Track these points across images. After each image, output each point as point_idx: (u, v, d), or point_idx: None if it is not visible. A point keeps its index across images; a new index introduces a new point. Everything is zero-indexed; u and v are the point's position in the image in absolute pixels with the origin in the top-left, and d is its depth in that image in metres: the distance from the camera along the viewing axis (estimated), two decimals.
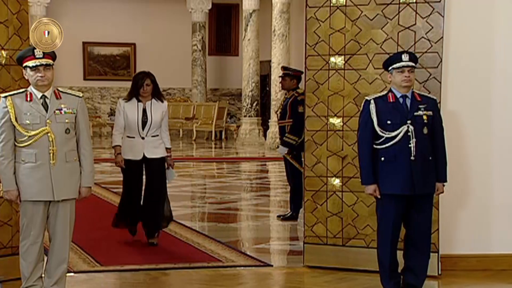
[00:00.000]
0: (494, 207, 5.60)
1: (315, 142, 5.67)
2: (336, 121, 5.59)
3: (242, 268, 5.76)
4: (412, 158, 4.65)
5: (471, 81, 5.56)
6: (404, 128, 4.66)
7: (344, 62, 5.55)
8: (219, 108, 20.24)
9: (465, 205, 5.59)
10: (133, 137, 6.20)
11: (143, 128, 6.18)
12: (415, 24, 5.35)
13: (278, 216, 7.95)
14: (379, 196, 4.76)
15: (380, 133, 4.70)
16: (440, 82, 5.31)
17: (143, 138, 6.19)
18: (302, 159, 6.89)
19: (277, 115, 8.24)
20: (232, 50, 22.65)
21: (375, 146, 4.74)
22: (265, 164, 14.38)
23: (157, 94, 6.28)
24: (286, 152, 7.73)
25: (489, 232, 5.61)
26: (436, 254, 5.30)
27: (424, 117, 4.69)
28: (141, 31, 21.39)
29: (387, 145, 4.69)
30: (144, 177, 6.42)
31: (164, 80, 23.74)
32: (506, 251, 5.58)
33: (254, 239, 7.06)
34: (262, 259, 6.01)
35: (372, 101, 4.76)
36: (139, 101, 6.21)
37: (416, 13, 5.34)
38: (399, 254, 4.87)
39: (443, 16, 5.29)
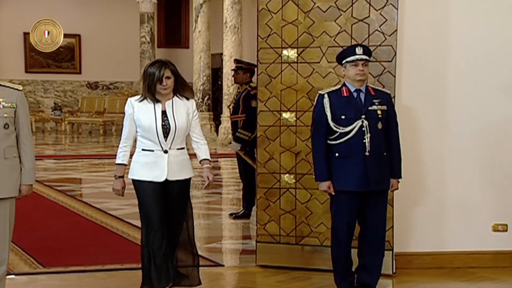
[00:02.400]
0: (449, 204, 5.71)
1: (268, 137, 5.70)
2: (289, 116, 5.62)
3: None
4: (367, 153, 4.70)
5: (426, 75, 5.64)
6: (358, 123, 4.71)
7: (297, 55, 5.58)
8: None
9: (420, 202, 5.69)
10: (151, 151, 4.67)
11: (165, 138, 4.66)
12: (368, 16, 5.41)
13: (230, 214, 7.96)
14: (333, 193, 4.80)
15: (334, 128, 4.75)
16: (395, 76, 5.38)
17: (166, 151, 4.68)
18: (255, 155, 6.91)
19: (230, 109, 8.24)
20: (182, 42, 22.56)
21: (329, 141, 4.78)
22: (217, 161, 14.34)
23: (180, 90, 4.76)
24: (238, 148, 7.74)
25: (444, 229, 5.71)
26: (391, 252, 5.38)
27: (379, 112, 4.75)
28: (86, 21, 21.14)
29: (341, 140, 4.74)
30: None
31: (110, 73, 23.67)
32: (461, 249, 5.69)
33: (205, 238, 7.06)
34: (214, 258, 6.01)
35: (325, 96, 4.81)
36: (156, 101, 4.69)
37: (370, 5, 5.40)
38: (353, 253, 4.93)
39: (397, 9, 5.36)
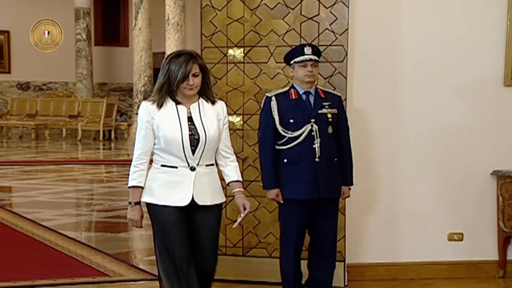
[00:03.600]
0: (403, 212, 5.79)
1: None
2: (235, 119, 5.63)
3: (131, 282, 5.72)
4: (317, 159, 4.74)
5: (378, 77, 5.72)
6: (307, 127, 4.75)
7: (243, 54, 5.60)
8: (108, 105, 19.99)
9: (373, 210, 5.76)
10: (175, 167, 3.94)
11: (193, 152, 3.93)
12: (318, 14, 5.46)
13: None
14: (281, 201, 4.83)
15: (283, 133, 4.78)
16: (346, 78, 5.44)
17: (193, 168, 3.94)
18: None
19: None
20: (121, 40, 22.43)
21: (277, 147, 4.81)
22: None
23: (207, 90, 4.03)
24: None
25: (398, 239, 5.79)
26: (343, 263, 5.43)
27: (329, 115, 4.80)
28: (16, 17, 20.81)
29: (290, 145, 4.77)
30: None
31: (43, 73, 23.41)
32: (416, 259, 5.77)
33: (147, 250, 7.02)
34: (155, 272, 5.96)
35: (273, 98, 4.83)
36: (177, 103, 3.96)
37: (320, 2, 5.46)
38: (303, 264, 4.97)
39: (347, 7, 5.42)
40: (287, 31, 5.51)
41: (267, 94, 4.92)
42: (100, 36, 22.21)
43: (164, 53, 17.44)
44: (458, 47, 5.72)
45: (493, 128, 5.77)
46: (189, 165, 3.93)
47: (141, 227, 4.02)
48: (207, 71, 4.00)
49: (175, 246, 3.92)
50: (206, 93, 4.02)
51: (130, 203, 3.98)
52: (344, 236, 5.44)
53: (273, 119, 4.79)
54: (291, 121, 4.75)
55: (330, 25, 5.45)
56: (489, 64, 5.74)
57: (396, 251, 5.78)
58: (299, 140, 4.75)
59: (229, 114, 5.54)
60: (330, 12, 5.45)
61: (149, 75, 18.30)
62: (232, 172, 4.11)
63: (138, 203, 3.97)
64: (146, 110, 3.94)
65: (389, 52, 5.70)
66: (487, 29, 5.73)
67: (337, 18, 5.45)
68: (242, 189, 4.11)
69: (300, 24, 5.50)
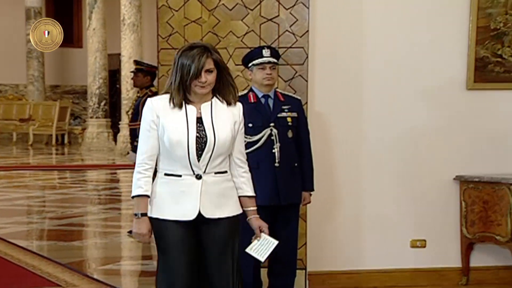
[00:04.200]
0: (365, 219, 5.83)
1: None
2: None
3: None
4: (277, 164, 4.76)
5: (340, 80, 5.76)
6: (266, 132, 4.77)
7: None
8: (61, 108, 19.85)
9: (334, 217, 5.79)
10: (179, 176, 3.57)
11: (199, 156, 3.55)
12: (278, 15, 5.49)
13: (130, 232, 7.89)
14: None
15: None
16: (307, 81, 5.47)
17: (199, 176, 3.56)
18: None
19: (128, 116, 8.20)
20: (74, 41, 22.24)
21: None
22: (116, 173, 14.24)
23: (223, 89, 3.64)
24: None
25: (360, 246, 5.83)
26: (304, 271, 5.44)
27: (288, 119, 4.82)
28: None
29: (248, 150, 4.75)
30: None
31: None
32: (378, 267, 5.82)
33: (101, 259, 6.99)
34: (110, 282, 5.95)
35: None
36: (187, 102, 3.60)
37: (279, 3, 5.49)
38: (263, 272, 4.98)
39: (308, 8, 5.46)
40: (246, 33, 5.53)
41: None
42: None
43: (119, 54, 17.36)
44: (421, 50, 5.78)
45: (456, 132, 5.85)
46: (194, 173, 3.53)
47: (150, 242, 3.57)
48: (224, 67, 3.58)
49: (176, 269, 3.56)
50: (220, 92, 3.60)
51: (135, 214, 3.56)
52: (305, 243, 5.46)
53: None
54: (250, 125, 4.75)
55: (290, 26, 5.49)
56: (452, 68, 5.82)
57: (359, 259, 5.82)
58: (258, 144, 4.77)
59: None
60: (290, 13, 5.48)
61: (104, 77, 18.19)
62: (245, 185, 3.67)
63: (145, 214, 3.55)
64: (151, 108, 3.55)
65: (351, 55, 5.74)
66: (449, 32, 5.81)
67: (297, 20, 5.48)
68: (255, 208, 3.71)
69: (260, 25, 5.52)
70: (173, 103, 3.53)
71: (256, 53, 4.82)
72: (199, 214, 3.55)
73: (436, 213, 5.85)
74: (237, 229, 3.64)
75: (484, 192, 5.63)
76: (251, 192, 3.69)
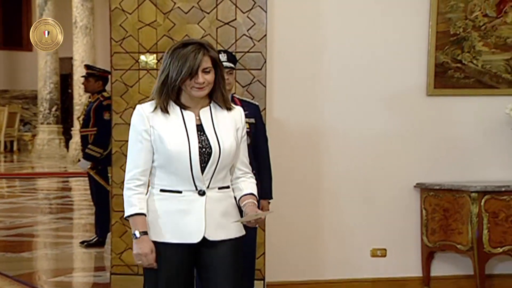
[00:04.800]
0: (325, 228, 5.85)
1: (124, 154, 5.58)
2: None
3: None
4: None
5: (299, 85, 5.77)
6: None
7: (156, 61, 5.58)
8: (10, 114, 19.64)
9: (294, 226, 5.80)
10: (178, 192, 3.21)
11: (203, 169, 3.20)
12: (235, 19, 5.50)
13: (82, 243, 7.86)
14: None
15: None
16: (265, 86, 5.48)
17: (202, 193, 3.21)
18: (109, 175, 6.85)
19: (80, 122, 8.16)
20: (24, 44, 21.98)
21: None
22: (68, 181, 14.13)
23: (219, 92, 3.27)
24: (88, 166, 7.68)
25: (320, 255, 5.85)
26: (262, 281, 5.44)
27: (246, 125, 4.82)
28: None
29: None
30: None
31: None
32: (338, 277, 5.84)
33: (52, 271, 6.92)
34: None
35: None
36: (183, 107, 3.24)
37: (236, 7, 5.49)
38: None
39: (265, 11, 5.47)
40: (202, 37, 5.52)
41: None
42: (0, 39, 21.75)
43: (71, 58, 17.22)
44: (380, 56, 5.82)
45: (416, 139, 5.90)
46: (197, 189, 3.18)
47: (155, 264, 3.18)
48: (221, 67, 3.24)
49: None
50: (216, 95, 3.25)
51: (134, 235, 3.18)
52: (264, 253, 5.46)
53: None
54: None
55: (247, 30, 5.49)
56: (411, 73, 5.87)
57: (318, 268, 5.84)
58: None
59: None
60: (248, 17, 5.49)
61: (56, 82, 18.03)
62: (248, 186, 3.33)
63: (145, 232, 3.17)
64: (142, 116, 3.18)
65: (310, 59, 5.76)
66: (409, 38, 5.86)
67: (255, 24, 5.49)
68: (255, 203, 3.30)
69: (216, 29, 5.52)
70: (163, 107, 3.16)
71: None
72: (204, 236, 3.18)
73: (397, 221, 5.89)
74: (240, 253, 3.32)
75: (444, 200, 5.68)
76: (253, 192, 3.32)
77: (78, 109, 15.92)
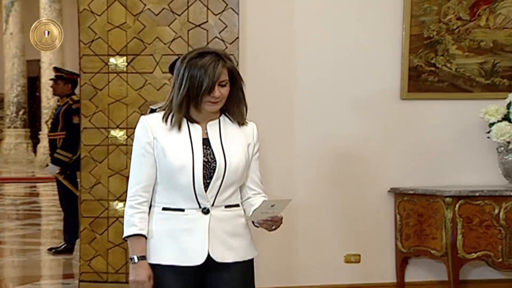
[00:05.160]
0: (298, 234, 5.83)
1: (94, 159, 5.63)
2: (118, 134, 5.59)
3: None
4: None
5: (272, 89, 5.77)
6: None
7: (126, 64, 5.57)
8: None
9: (266, 231, 5.74)
10: (181, 210, 3.02)
11: (206, 185, 3.02)
12: (207, 21, 5.49)
13: (50, 249, 7.83)
14: None
15: None
16: None
17: (205, 211, 3.02)
18: (78, 180, 6.82)
19: (48, 126, 8.12)
20: None
21: None
22: (35, 186, 14.07)
23: (233, 105, 3.10)
24: (57, 171, 7.65)
25: (294, 261, 5.84)
26: None
27: None
28: None
29: None
30: None
31: None
32: (312, 283, 5.84)
33: (19, 279, 6.88)
34: None
35: (157, 111, 4.79)
36: (190, 120, 3.05)
37: (208, 9, 5.49)
38: None
39: (237, 14, 5.47)
40: (173, 39, 5.52)
41: (151, 107, 4.90)
42: None
43: (39, 60, 17.11)
44: (354, 59, 5.84)
45: (390, 143, 5.91)
46: (200, 207, 2.99)
47: None
48: (238, 78, 3.05)
49: None
50: (229, 109, 3.07)
51: (131, 259, 3.00)
52: None
53: None
54: None
55: (219, 33, 5.49)
56: (385, 77, 5.89)
57: (292, 275, 5.83)
58: None
59: (111, 128, 5.56)
60: (219, 19, 5.49)
61: (23, 85, 17.92)
62: (260, 200, 3.09)
63: (144, 257, 3.00)
64: (146, 128, 3.02)
65: (282, 63, 5.76)
66: (382, 41, 5.87)
67: (227, 26, 5.49)
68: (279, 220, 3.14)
69: (188, 31, 5.51)
70: (171, 121, 2.99)
71: None
72: (208, 257, 2.98)
73: (371, 227, 5.90)
74: (251, 277, 3.14)
75: (419, 204, 5.69)
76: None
77: (46, 112, 15.84)
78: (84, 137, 5.65)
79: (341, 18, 5.83)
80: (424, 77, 5.91)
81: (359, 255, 5.89)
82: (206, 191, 2.98)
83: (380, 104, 5.90)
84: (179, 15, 5.51)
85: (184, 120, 3.01)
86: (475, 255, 5.54)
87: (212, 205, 3.00)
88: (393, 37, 5.87)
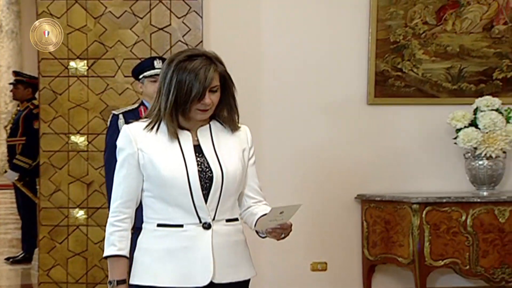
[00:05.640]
0: (263, 241, 5.74)
1: (53, 165, 5.60)
2: (79, 139, 5.57)
3: None
4: None
5: (238, 94, 5.75)
6: None
7: (87, 67, 5.56)
8: None
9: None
10: (179, 226, 2.76)
11: (205, 198, 2.76)
12: (170, 24, 5.50)
13: (7, 259, 7.78)
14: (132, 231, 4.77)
15: None
16: None
17: (207, 226, 2.76)
18: (37, 187, 6.76)
19: (7, 131, 8.08)
20: None
21: None
22: None
23: (224, 109, 2.90)
24: (16, 178, 7.60)
25: (260, 269, 5.59)
26: None
27: None
28: None
29: None
30: None
31: None
32: None
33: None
34: None
35: (121, 116, 4.79)
36: (180, 128, 2.80)
37: (171, 11, 5.49)
38: None
39: (201, 17, 5.49)
40: (135, 42, 5.51)
41: (113, 112, 4.86)
42: None
43: None
44: (320, 64, 5.86)
45: (357, 149, 5.93)
46: (201, 221, 2.74)
47: None
48: (231, 83, 2.87)
49: None
50: (223, 115, 2.88)
51: (110, 282, 2.77)
52: None
53: None
54: None
55: (183, 36, 5.49)
56: (352, 82, 5.91)
57: (258, 282, 5.77)
58: None
59: (71, 133, 5.51)
60: (183, 22, 5.49)
61: None
62: (263, 208, 2.92)
63: (124, 281, 2.77)
64: (128, 138, 2.75)
65: (248, 67, 5.76)
66: (349, 45, 5.90)
67: (190, 29, 5.49)
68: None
69: (150, 34, 5.51)
70: (160, 126, 2.76)
71: (147, 64, 4.77)
72: (212, 279, 2.74)
73: (337, 234, 5.91)
74: None
75: (386, 211, 5.70)
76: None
77: (5, 117, 15.68)
78: (43, 143, 5.62)
79: (307, 22, 5.85)
80: (391, 82, 5.94)
81: (326, 263, 5.90)
82: (206, 203, 2.74)
83: (346, 109, 5.92)
84: (141, 18, 5.50)
85: (163, 124, 2.77)
86: (442, 263, 5.55)
87: (213, 219, 2.75)
88: (359, 42, 5.89)
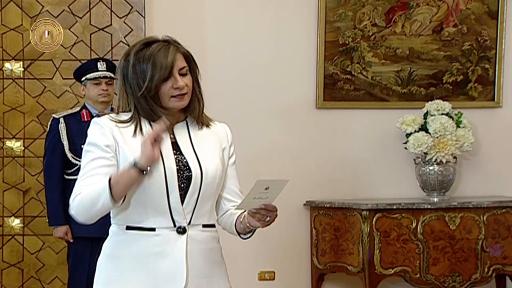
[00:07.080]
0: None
1: None
2: (15, 144, 5.56)
3: None
4: None
5: None
6: None
7: (23, 69, 5.54)
8: None
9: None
10: (151, 230, 2.60)
11: (182, 199, 2.63)
12: (111, 25, 5.51)
13: None
14: (71, 240, 4.79)
15: (73, 160, 4.77)
16: None
17: (181, 230, 2.63)
18: None
19: None
20: None
21: (66, 176, 4.79)
22: None
23: (196, 104, 2.73)
24: None
25: None
26: None
27: None
28: None
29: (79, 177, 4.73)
30: None
31: None
32: None
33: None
34: None
35: (61, 120, 4.82)
36: (152, 121, 2.66)
37: (112, 11, 5.50)
38: None
39: (144, 17, 5.51)
40: (74, 43, 5.51)
41: (54, 115, 4.89)
42: None
43: None
44: (268, 66, 5.90)
45: (306, 153, 5.97)
46: (175, 225, 2.60)
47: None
48: (195, 67, 2.73)
49: None
50: (194, 106, 2.69)
51: (144, 171, 2.49)
52: None
53: (62, 144, 4.77)
54: (83, 146, 4.71)
55: (124, 37, 5.51)
56: (300, 85, 5.95)
57: None
58: None
59: (6, 138, 5.50)
60: (124, 22, 5.51)
61: None
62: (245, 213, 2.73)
63: (135, 164, 2.49)
64: (103, 129, 2.60)
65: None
66: (297, 48, 5.94)
67: (132, 30, 5.52)
68: None
69: (90, 35, 5.51)
70: (135, 121, 2.61)
71: (90, 66, 4.80)
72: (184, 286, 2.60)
73: (286, 242, 5.94)
74: None
75: (335, 218, 5.72)
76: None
77: None
78: None
79: (254, 23, 5.89)
80: (340, 85, 5.97)
81: (274, 272, 5.93)
82: (182, 205, 2.60)
83: (295, 113, 5.96)
84: (81, 18, 5.50)
85: (146, 123, 2.61)
86: (392, 271, 5.58)
87: (189, 223, 2.61)
88: (307, 43, 5.93)
